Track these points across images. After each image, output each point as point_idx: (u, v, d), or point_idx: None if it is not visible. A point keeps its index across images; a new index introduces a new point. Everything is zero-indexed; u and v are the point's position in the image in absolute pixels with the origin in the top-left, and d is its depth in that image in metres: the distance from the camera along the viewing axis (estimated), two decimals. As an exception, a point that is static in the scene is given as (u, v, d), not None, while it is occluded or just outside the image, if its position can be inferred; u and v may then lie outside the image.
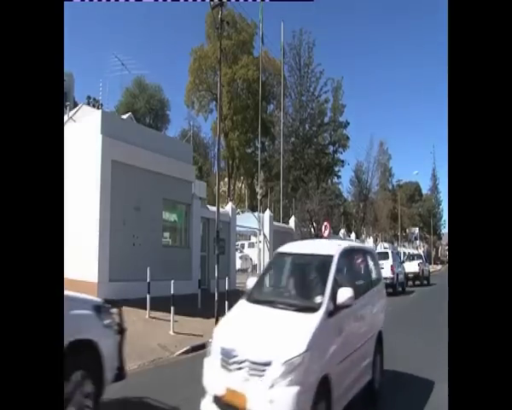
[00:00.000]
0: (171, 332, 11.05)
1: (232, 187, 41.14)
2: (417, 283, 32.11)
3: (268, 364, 4.18)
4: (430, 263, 50.69)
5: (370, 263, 6.93)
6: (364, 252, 7.19)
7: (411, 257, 36.25)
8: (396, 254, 29.12)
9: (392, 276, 24.56)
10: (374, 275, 6.93)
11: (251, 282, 5.76)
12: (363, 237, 41.59)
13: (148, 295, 12.03)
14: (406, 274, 30.45)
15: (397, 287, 25.02)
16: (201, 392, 6.86)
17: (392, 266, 24.80)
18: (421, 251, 55.31)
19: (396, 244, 54.13)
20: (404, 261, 32.19)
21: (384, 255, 26.01)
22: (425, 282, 32.47)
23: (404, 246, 57.46)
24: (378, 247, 41.47)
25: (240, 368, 4.37)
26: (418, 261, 33.49)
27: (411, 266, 32.51)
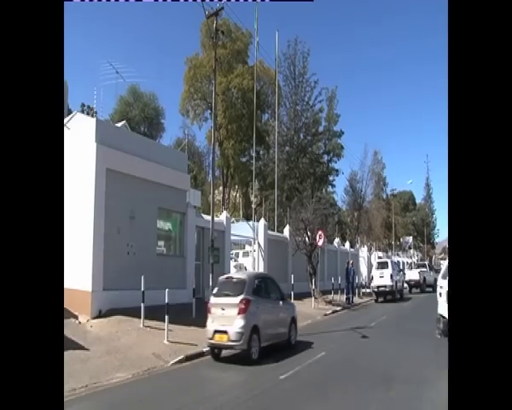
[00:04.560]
0: (166, 341, 10.97)
1: (227, 196, 41.05)
2: (429, 289, 33.04)
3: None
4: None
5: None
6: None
7: (416, 266, 38.43)
8: (395, 264, 30.58)
9: (391, 284, 25.98)
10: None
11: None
12: (358, 245, 41.59)
13: (142, 304, 11.95)
14: (408, 281, 32.77)
15: (395, 294, 26.43)
16: (195, 401, 6.83)
17: (391, 275, 26.14)
18: (414, 260, 55.86)
19: (390, 253, 54.21)
20: (401, 270, 33.11)
21: (384, 265, 27.26)
22: (429, 289, 33.11)
23: (398, 255, 57.57)
24: (372, 256, 41.62)
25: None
26: (419, 269, 34.69)
27: (412, 274, 34.17)
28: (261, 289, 10.97)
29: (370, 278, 29.57)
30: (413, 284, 33.32)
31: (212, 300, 10.42)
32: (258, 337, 9.91)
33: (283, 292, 12.27)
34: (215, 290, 10.88)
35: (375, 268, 28.13)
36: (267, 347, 10.34)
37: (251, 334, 9.69)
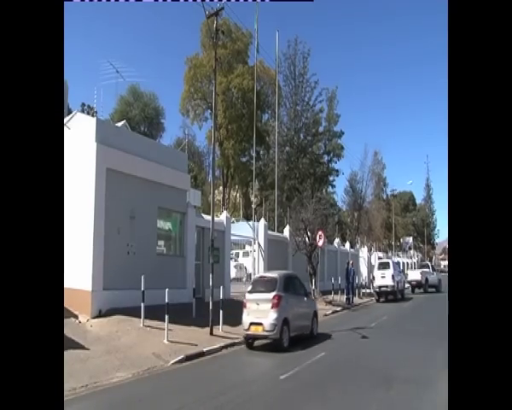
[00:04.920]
0: (166, 341, 10.97)
1: (227, 196, 41.08)
2: (432, 290, 33.33)
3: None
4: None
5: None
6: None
7: (419, 266, 39.21)
8: (396, 264, 30.97)
9: (392, 284, 26.30)
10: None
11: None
12: (358, 246, 41.54)
13: (142, 304, 11.94)
14: (410, 282, 33.36)
15: (397, 294, 26.76)
16: (195, 400, 6.83)
17: (392, 275, 26.45)
18: (414, 260, 55.89)
19: (390, 253, 54.18)
20: (402, 270, 33.33)
21: (385, 265, 27.69)
22: (432, 290, 33.54)
23: (398, 255, 57.56)
24: (372, 256, 41.60)
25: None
26: (421, 270, 34.91)
27: (414, 275, 34.52)
28: (289, 286, 12.29)
29: (372, 279, 29.83)
30: (415, 285, 33.58)
31: (248, 296, 11.82)
32: (288, 328, 11.34)
33: (307, 290, 13.80)
34: (249, 288, 12.27)
35: (376, 269, 28.38)
36: (293, 337, 11.61)
37: (282, 325, 11.11)
